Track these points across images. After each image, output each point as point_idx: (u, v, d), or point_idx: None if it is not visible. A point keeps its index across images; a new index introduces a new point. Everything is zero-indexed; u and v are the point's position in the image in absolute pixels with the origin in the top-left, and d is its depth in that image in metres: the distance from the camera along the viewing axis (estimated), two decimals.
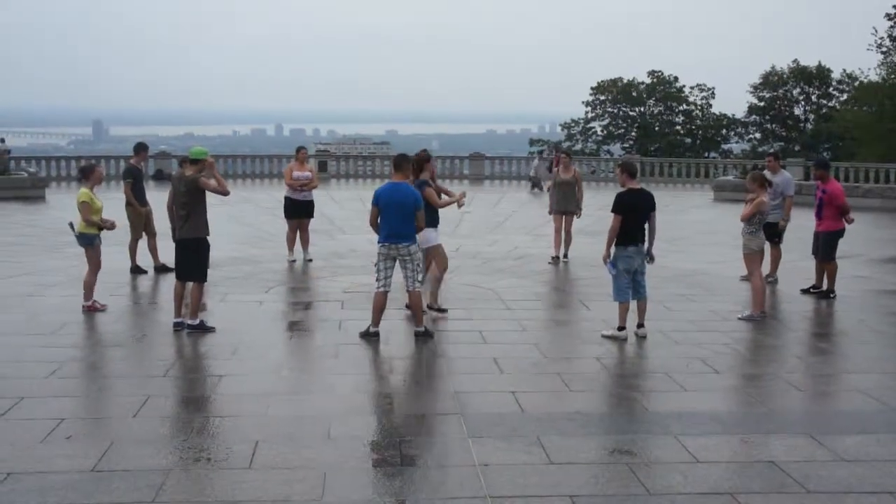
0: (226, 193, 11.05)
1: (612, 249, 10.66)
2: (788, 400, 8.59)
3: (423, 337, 10.43)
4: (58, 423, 7.42)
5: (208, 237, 10.88)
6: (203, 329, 10.62)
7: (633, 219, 10.62)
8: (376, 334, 10.43)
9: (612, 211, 10.64)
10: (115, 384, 8.80)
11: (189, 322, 10.67)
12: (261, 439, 7.12)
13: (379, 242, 10.44)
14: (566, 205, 16.40)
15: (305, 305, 12.55)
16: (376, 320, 10.49)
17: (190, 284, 10.81)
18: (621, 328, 10.59)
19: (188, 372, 9.36)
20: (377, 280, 10.44)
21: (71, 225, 11.93)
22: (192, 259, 10.76)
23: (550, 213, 16.58)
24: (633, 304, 10.73)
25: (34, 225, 20.85)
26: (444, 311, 11.75)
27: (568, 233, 16.46)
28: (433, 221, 11.65)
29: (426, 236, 11.38)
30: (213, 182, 10.78)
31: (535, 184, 34.94)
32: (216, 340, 10.33)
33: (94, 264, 11.79)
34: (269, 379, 8.88)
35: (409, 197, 10.32)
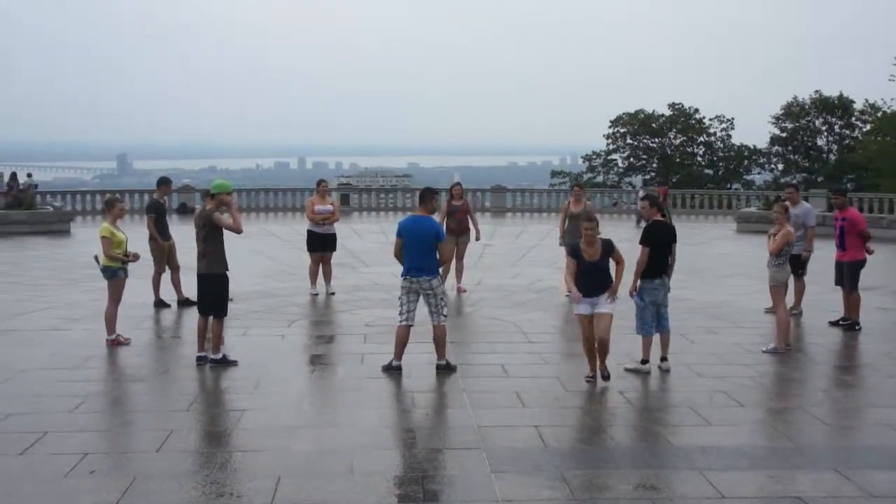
0: (238, 231, 10.96)
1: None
2: (814, 434, 8.50)
3: (445, 370, 10.41)
4: (81, 458, 7.44)
5: (227, 272, 10.93)
6: (226, 363, 10.65)
7: (660, 251, 10.60)
8: (398, 368, 10.42)
9: (642, 243, 10.58)
10: (139, 418, 8.82)
11: (212, 356, 10.71)
12: (283, 474, 7.11)
13: (402, 276, 10.45)
14: (575, 238, 16.30)
15: (328, 339, 12.56)
16: (398, 354, 10.47)
17: (212, 318, 10.85)
18: (645, 361, 10.53)
19: (211, 406, 9.37)
20: (400, 314, 10.44)
21: (96, 258, 12.02)
22: (211, 294, 10.82)
23: (561, 245, 16.54)
24: (655, 337, 10.68)
25: (59, 259, 21.03)
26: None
27: None
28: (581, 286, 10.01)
29: (575, 303, 10.21)
30: (227, 219, 10.84)
31: (641, 217, 33.79)
32: (239, 374, 10.34)
33: (115, 297, 11.85)
34: (292, 413, 8.88)
35: (430, 230, 10.34)
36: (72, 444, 7.84)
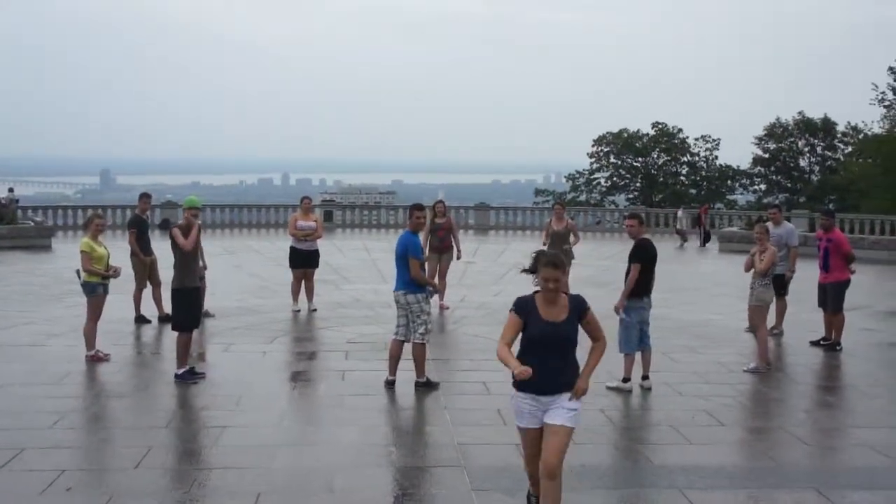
0: (182, 248, 10.84)
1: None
2: (795, 454, 8.51)
3: (424, 388, 10.39)
4: (58, 475, 7.36)
5: (188, 287, 10.90)
6: (192, 377, 10.55)
7: (650, 269, 10.60)
8: (389, 383, 10.47)
9: (636, 260, 10.52)
10: (117, 435, 8.75)
11: (176, 371, 10.64)
12: (262, 492, 7.06)
13: None
14: None
15: (309, 356, 12.50)
16: (390, 368, 10.49)
17: (196, 334, 10.82)
18: (626, 380, 10.53)
19: (190, 423, 9.31)
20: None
21: (78, 272, 11.95)
22: (173, 308, 10.95)
23: None
24: (637, 355, 10.68)
25: (38, 274, 20.88)
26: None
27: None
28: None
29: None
30: (181, 235, 10.83)
31: (683, 237, 34.08)
32: (219, 391, 10.28)
33: (94, 313, 11.76)
34: (272, 430, 8.83)
35: (399, 244, 10.47)
36: (49, 460, 7.76)
